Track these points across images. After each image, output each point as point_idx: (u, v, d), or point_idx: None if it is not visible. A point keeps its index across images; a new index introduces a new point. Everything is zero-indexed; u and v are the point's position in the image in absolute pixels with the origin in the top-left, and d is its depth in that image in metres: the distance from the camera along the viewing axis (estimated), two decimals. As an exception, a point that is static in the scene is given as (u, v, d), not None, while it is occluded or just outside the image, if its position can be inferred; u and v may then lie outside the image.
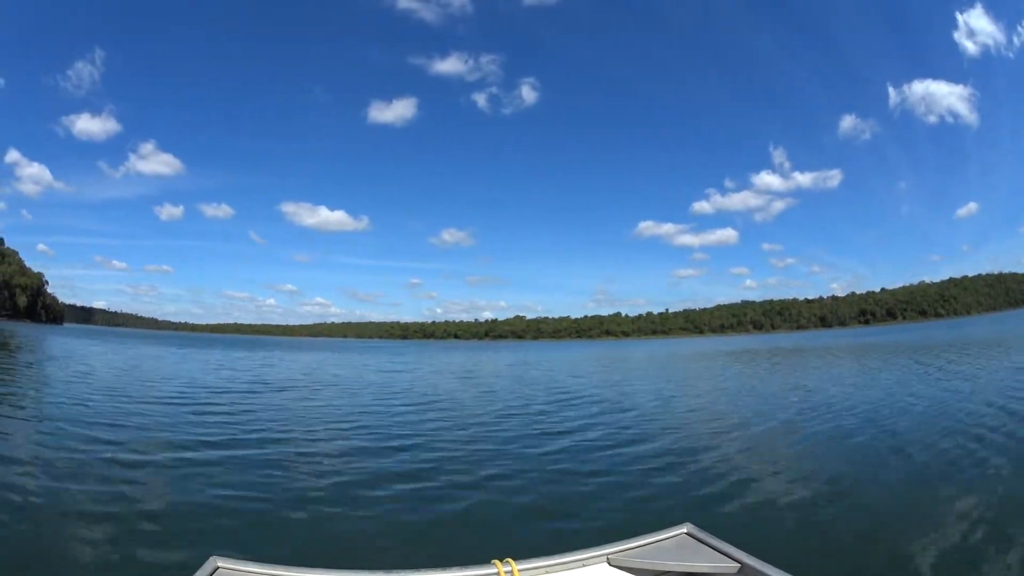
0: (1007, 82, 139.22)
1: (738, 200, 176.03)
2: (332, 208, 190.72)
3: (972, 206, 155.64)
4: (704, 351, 48.71)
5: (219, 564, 2.10)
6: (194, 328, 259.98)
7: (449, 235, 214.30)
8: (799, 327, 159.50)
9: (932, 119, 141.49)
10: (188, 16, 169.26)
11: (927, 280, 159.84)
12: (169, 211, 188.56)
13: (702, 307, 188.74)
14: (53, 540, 4.49)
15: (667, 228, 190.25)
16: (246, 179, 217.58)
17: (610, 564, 2.35)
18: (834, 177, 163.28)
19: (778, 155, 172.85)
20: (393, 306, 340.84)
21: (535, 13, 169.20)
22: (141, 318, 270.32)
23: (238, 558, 2.13)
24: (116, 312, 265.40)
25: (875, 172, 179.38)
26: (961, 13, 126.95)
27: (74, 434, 8.45)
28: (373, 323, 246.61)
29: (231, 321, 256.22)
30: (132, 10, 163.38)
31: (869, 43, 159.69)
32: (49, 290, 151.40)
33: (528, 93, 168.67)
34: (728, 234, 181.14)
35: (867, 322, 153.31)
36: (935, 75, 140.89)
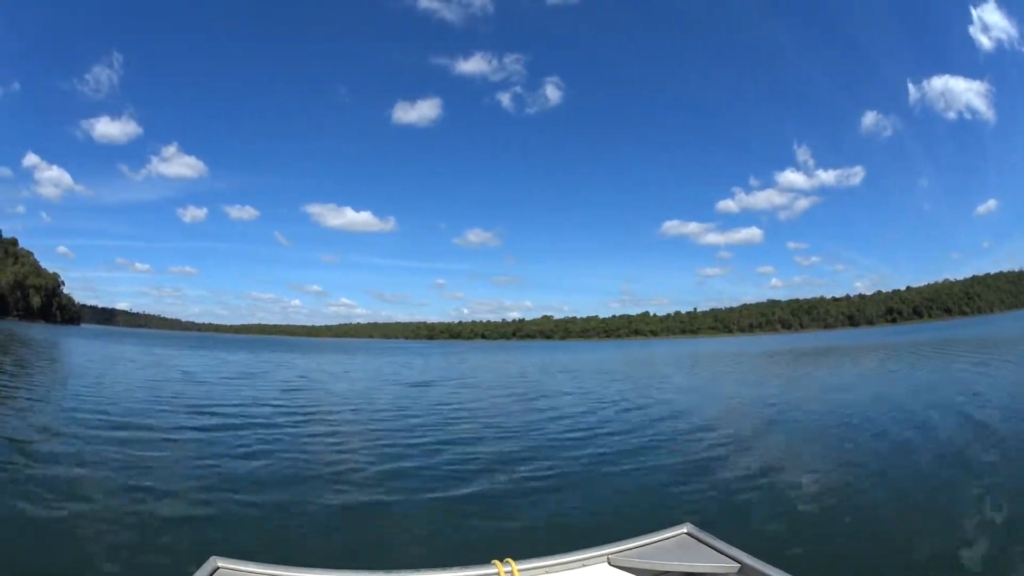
0: (1021, 77, 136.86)
1: (763, 198, 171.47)
2: (358, 209, 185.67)
3: (991, 203, 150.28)
4: (733, 352, 47.05)
5: (219, 564, 2.09)
6: (218, 329, 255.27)
7: (475, 235, 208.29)
8: (827, 326, 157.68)
9: (951, 115, 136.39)
10: (208, 18, 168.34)
11: (950, 278, 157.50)
12: (193, 213, 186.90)
13: (728, 306, 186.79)
14: (52, 540, 4.48)
15: (692, 227, 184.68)
16: (270, 180, 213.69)
17: (610, 564, 2.34)
18: (857, 174, 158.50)
19: (802, 153, 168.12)
20: (419, 307, 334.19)
21: (557, 12, 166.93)
22: (164, 319, 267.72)
23: (238, 558, 2.11)
24: (138, 313, 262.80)
25: (897, 169, 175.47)
26: (975, 7, 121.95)
27: (73, 434, 8.39)
28: (399, 324, 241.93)
29: (256, 322, 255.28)
30: (150, 14, 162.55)
31: (887, 38, 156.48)
32: (66, 291, 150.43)
33: (552, 92, 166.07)
34: (753, 233, 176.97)
35: (894, 320, 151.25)
36: (953, 70, 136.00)
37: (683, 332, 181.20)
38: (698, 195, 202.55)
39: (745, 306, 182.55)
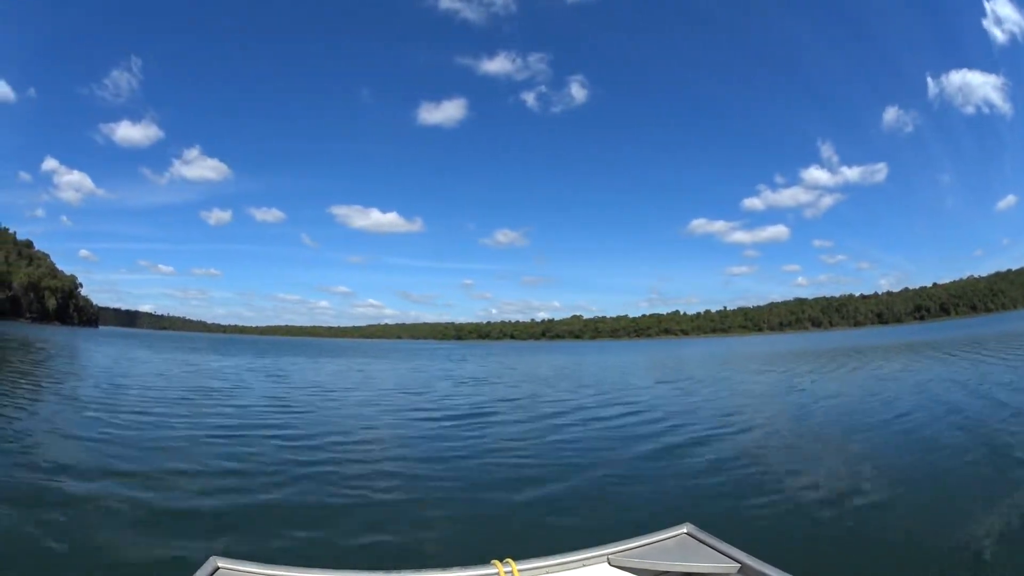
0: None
1: (788, 196, 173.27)
2: (384, 210, 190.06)
3: (1011, 199, 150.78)
4: (765, 352, 44.95)
5: (219, 564, 2.08)
6: (243, 330, 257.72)
7: (503, 236, 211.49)
8: (856, 324, 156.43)
9: (969, 109, 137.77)
10: (229, 22, 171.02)
11: (974, 275, 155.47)
12: (217, 215, 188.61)
13: (755, 305, 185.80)
14: (52, 540, 4.42)
15: (719, 225, 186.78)
16: (296, 182, 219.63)
17: (610, 564, 2.32)
18: (880, 171, 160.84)
19: (826, 149, 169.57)
20: (447, 307, 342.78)
21: (578, 11, 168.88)
22: (189, 321, 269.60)
23: (238, 558, 2.10)
24: (162, 315, 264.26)
25: (919, 165, 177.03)
26: (988, 0, 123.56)
27: (72, 435, 8.35)
28: (427, 324, 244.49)
29: (282, 323, 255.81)
30: (168, 18, 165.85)
31: (905, 32, 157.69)
32: (84, 293, 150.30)
33: (577, 91, 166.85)
34: (779, 231, 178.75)
35: (922, 318, 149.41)
36: (969, 64, 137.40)
37: (714, 331, 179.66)
38: (724, 193, 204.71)
39: (774, 305, 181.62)
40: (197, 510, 5.19)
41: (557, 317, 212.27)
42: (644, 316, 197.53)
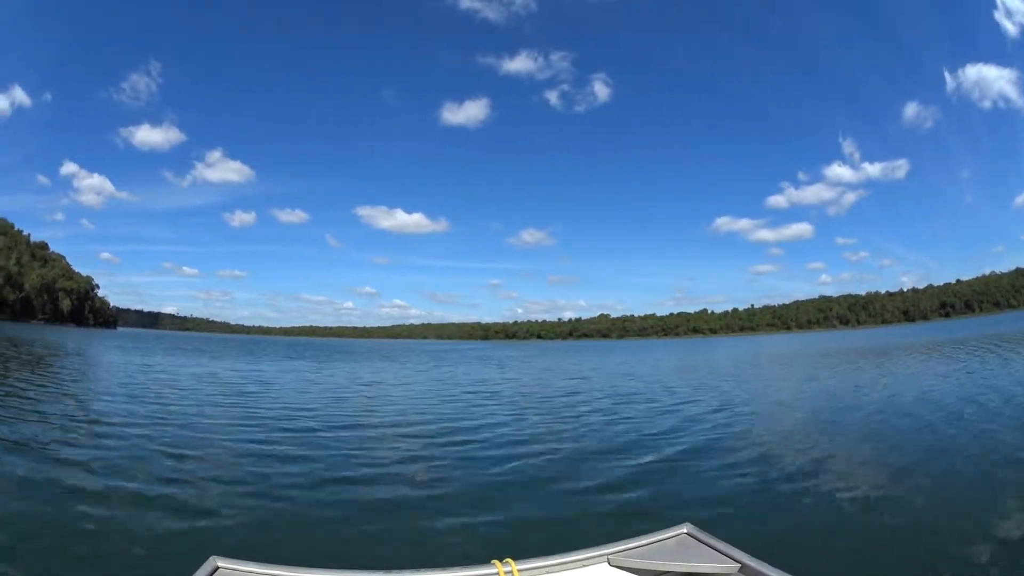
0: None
1: (811, 193, 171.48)
2: (409, 211, 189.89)
3: None
4: (794, 352, 42.67)
5: (219, 564, 2.05)
6: (268, 331, 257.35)
7: (529, 235, 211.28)
8: (883, 321, 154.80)
9: (986, 104, 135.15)
10: (248, 25, 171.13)
11: (996, 271, 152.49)
12: (241, 217, 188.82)
13: (780, 303, 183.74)
14: (52, 540, 4.40)
15: (743, 223, 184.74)
16: (320, 184, 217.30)
17: (610, 564, 2.29)
18: (901, 167, 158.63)
19: (848, 146, 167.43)
20: (473, 307, 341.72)
21: (599, 9, 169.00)
22: (213, 322, 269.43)
23: (238, 558, 2.07)
24: (185, 317, 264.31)
25: (939, 161, 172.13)
26: None
27: (70, 438, 8.29)
28: (453, 324, 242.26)
29: (307, 324, 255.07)
30: (187, 22, 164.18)
31: (922, 27, 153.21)
32: (102, 294, 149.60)
33: (600, 89, 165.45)
34: (803, 228, 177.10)
35: (947, 315, 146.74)
36: (984, 58, 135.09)
37: (742, 330, 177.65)
38: (747, 190, 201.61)
39: (800, 302, 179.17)
40: (197, 510, 5.16)
41: (583, 316, 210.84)
42: (672, 315, 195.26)
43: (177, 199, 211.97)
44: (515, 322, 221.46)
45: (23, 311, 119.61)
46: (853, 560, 4.15)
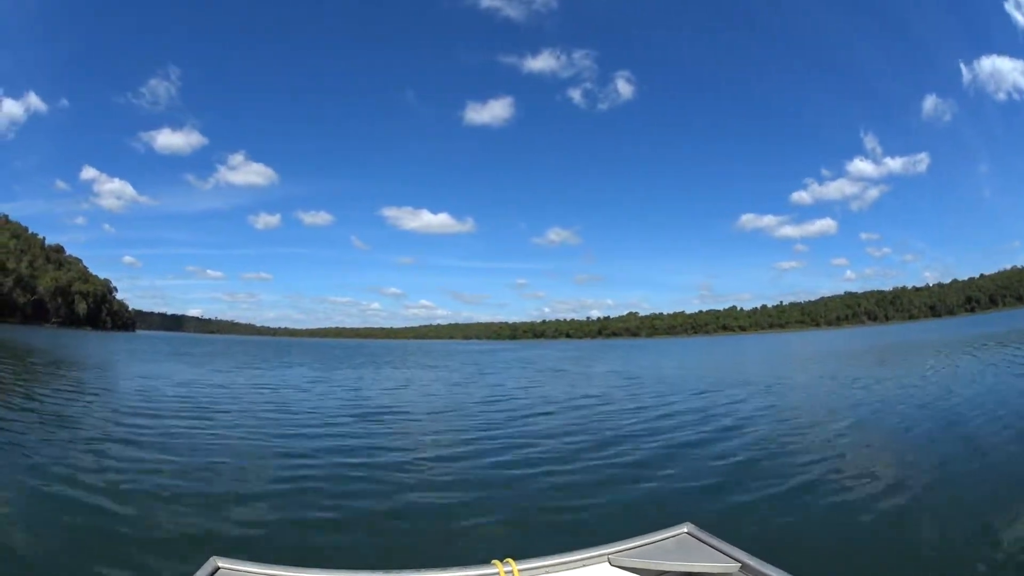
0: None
1: (835, 188, 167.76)
2: (435, 211, 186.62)
3: None
4: (826, 350, 39.53)
5: (219, 564, 2.02)
6: (294, 333, 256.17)
7: (555, 234, 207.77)
8: (910, 317, 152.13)
9: (1001, 96, 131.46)
10: (267, 28, 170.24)
11: (1017, 266, 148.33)
12: (265, 220, 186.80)
13: (805, 300, 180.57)
14: (51, 540, 4.38)
15: (768, 220, 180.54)
16: (344, 185, 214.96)
17: (611, 564, 2.26)
18: (922, 161, 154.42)
19: (869, 141, 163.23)
20: (500, 307, 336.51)
21: (619, 7, 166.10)
22: (237, 324, 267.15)
23: (238, 558, 2.04)
24: (209, 319, 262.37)
25: (958, 154, 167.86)
26: None
27: (70, 437, 8.28)
28: (480, 324, 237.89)
29: (333, 325, 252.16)
30: (205, 27, 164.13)
31: (936, 18, 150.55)
32: (120, 297, 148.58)
33: (624, 87, 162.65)
34: (827, 224, 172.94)
35: (972, 310, 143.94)
36: (998, 50, 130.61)
37: (771, 327, 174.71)
38: (772, 187, 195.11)
39: (826, 299, 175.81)
40: (197, 510, 5.12)
41: (610, 315, 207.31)
42: (701, 312, 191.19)
43: (200, 202, 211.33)
44: (543, 321, 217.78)
45: (36, 314, 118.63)
46: (853, 560, 4.09)
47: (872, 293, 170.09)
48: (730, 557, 2.17)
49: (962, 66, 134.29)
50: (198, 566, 1.99)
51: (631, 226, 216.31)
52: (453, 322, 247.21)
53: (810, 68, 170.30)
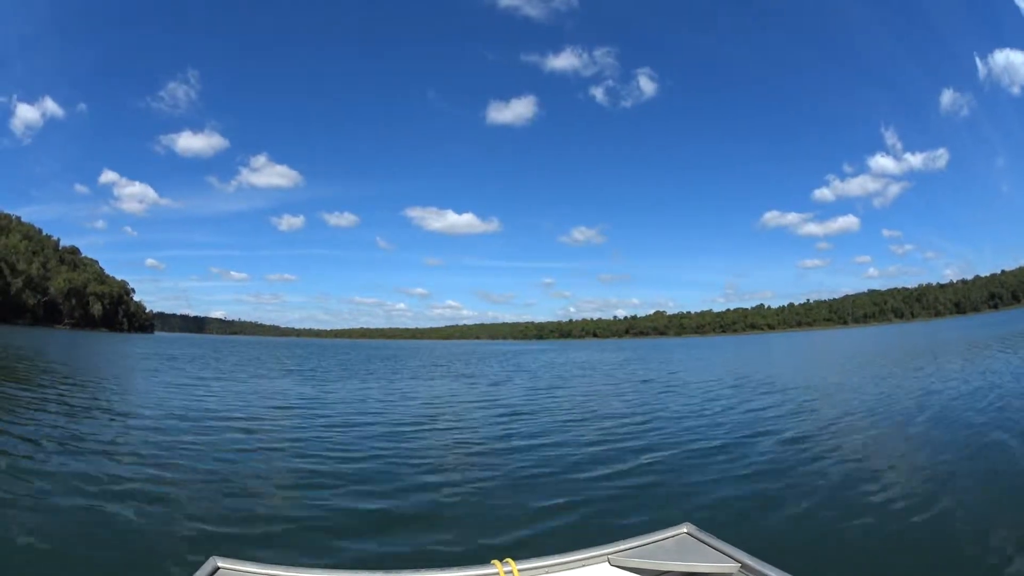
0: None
1: (857, 185, 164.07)
2: (460, 211, 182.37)
3: None
4: (856, 350, 37.08)
5: (219, 564, 2.00)
6: (319, 334, 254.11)
7: (580, 233, 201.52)
8: (936, 314, 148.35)
9: (1016, 90, 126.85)
10: (287, 30, 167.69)
11: None
12: (289, 221, 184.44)
13: (829, 298, 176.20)
14: (52, 539, 4.33)
15: (791, 218, 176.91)
16: (368, 186, 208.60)
17: (610, 564, 2.23)
18: (941, 157, 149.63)
19: (890, 136, 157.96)
20: (526, 306, 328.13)
21: (640, 2, 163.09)
22: (261, 325, 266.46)
23: (238, 558, 2.00)
24: (233, 321, 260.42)
25: (976, 149, 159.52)
26: None
27: (69, 437, 8.21)
28: (507, 324, 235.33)
29: (359, 326, 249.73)
30: (224, 29, 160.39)
31: (949, 10, 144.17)
32: (146, 299, 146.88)
33: (646, 84, 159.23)
34: (850, 221, 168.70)
35: (996, 307, 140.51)
36: (1011, 43, 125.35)
37: (799, 325, 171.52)
38: (794, 184, 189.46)
39: (856, 296, 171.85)
40: (197, 510, 5.07)
41: (636, 314, 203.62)
42: (729, 311, 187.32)
43: (223, 204, 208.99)
44: (570, 321, 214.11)
45: (48, 316, 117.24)
46: (853, 560, 4.05)
47: (898, 291, 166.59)
48: (730, 557, 2.15)
49: (977, 59, 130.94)
50: (198, 566, 1.97)
51: (655, 224, 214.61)
52: (479, 322, 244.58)
53: (828, 61, 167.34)
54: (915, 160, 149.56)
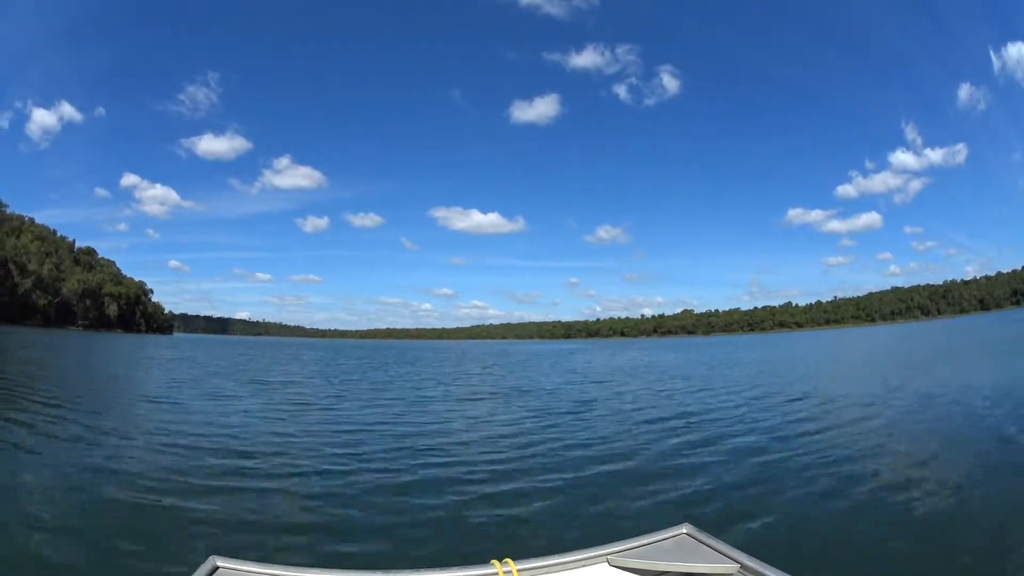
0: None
1: (879, 181, 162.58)
2: (485, 211, 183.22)
3: None
4: (882, 351, 35.68)
5: (219, 564, 1.96)
6: (344, 335, 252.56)
7: (605, 232, 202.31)
8: (961, 311, 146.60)
9: None
10: (308, 31, 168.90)
11: None
12: (313, 222, 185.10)
13: (853, 296, 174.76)
14: (52, 538, 4.32)
15: (815, 215, 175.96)
16: (392, 187, 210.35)
17: (610, 564, 2.19)
18: (960, 152, 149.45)
19: (910, 131, 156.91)
20: (552, 306, 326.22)
21: (659, 0, 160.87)
22: (286, 326, 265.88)
23: (238, 558, 1.96)
24: (257, 322, 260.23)
25: (993, 144, 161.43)
26: None
27: (70, 436, 8.23)
28: (533, 323, 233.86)
29: (384, 327, 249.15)
30: (244, 32, 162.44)
31: (960, 4, 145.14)
32: (167, 300, 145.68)
33: (669, 81, 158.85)
34: (872, 218, 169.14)
35: (1019, 303, 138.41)
36: (1023, 37, 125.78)
37: (827, 323, 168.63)
38: (817, 181, 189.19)
39: (879, 293, 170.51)
40: (197, 510, 5.04)
41: (662, 313, 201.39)
42: (757, 309, 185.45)
43: (246, 206, 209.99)
44: (597, 320, 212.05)
45: (60, 317, 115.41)
46: (854, 561, 4.00)
47: (924, 287, 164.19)
48: (729, 558, 2.10)
49: (991, 53, 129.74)
50: (197, 565, 1.93)
51: (680, 223, 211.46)
52: (505, 322, 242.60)
53: (844, 58, 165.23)
54: (935, 156, 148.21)
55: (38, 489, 5.59)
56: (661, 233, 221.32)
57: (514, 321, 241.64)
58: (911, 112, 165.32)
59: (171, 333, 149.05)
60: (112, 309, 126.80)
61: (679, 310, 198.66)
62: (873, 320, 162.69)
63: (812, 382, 17.87)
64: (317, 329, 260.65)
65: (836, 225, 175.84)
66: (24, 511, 4.92)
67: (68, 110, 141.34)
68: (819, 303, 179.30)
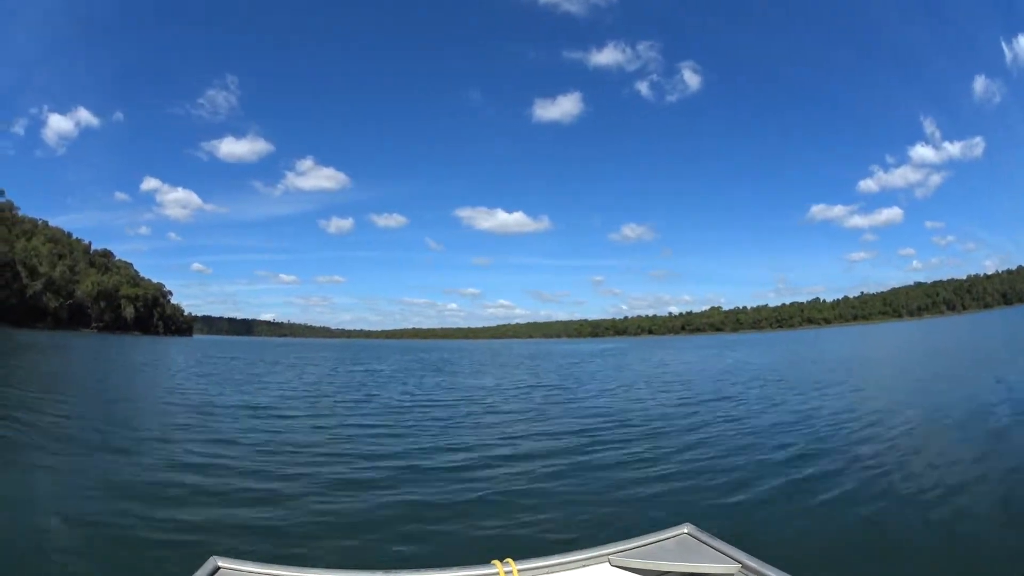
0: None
1: (899, 176, 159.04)
2: (509, 210, 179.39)
3: None
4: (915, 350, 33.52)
5: (219, 564, 1.93)
6: (369, 335, 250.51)
7: (630, 230, 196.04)
8: (985, 306, 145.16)
9: None
10: (328, 32, 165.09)
11: None
12: (337, 223, 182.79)
13: (876, 291, 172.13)
14: (52, 538, 4.30)
15: (837, 210, 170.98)
16: (416, 187, 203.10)
17: (611, 564, 2.16)
18: (978, 145, 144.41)
19: (928, 125, 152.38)
20: (576, 304, 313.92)
21: None
22: (311, 327, 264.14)
23: (238, 558, 1.94)
24: (282, 323, 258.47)
25: (1010, 137, 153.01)
26: None
27: (71, 436, 8.22)
28: (559, 322, 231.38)
29: (410, 327, 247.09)
30: (262, 34, 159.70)
31: None
32: (188, 302, 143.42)
33: (691, 77, 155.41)
34: (894, 213, 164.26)
35: None
36: None
37: (855, 319, 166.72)
38: (839, 176, 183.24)
39: (905, 288, 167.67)
40: (197, 510, 5.01)
41: (688, 310, 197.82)
42: (784, 306, 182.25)
43: (269, 208, 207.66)
44: (624, 318, 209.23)
45: (73, 319, 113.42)
46: (854, 561, 3.95)
47: (948, 282, 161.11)
48: (730, 558, 2.08)
49: (1003, 44, 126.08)
50: (198, 565, 1.91)
51: (705, 220, 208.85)
52: (532, 321, 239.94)
53: (860, 52, 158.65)
54: (953, 149, 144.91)
55: (36, 489, 5.58)
56: (686, 231, 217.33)
57: (540, 320, 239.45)
58: (929, 106, 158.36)
59: (191, 335, 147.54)
60: (128, 311, 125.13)
61: (706, 307, 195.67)
62: (900, 316, 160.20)
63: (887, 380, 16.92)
64: (343, 330, 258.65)
65: (858, 220, 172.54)
66: (24, 513, 4.89)
67: (85, 115, 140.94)
68: (846, 299, 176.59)
